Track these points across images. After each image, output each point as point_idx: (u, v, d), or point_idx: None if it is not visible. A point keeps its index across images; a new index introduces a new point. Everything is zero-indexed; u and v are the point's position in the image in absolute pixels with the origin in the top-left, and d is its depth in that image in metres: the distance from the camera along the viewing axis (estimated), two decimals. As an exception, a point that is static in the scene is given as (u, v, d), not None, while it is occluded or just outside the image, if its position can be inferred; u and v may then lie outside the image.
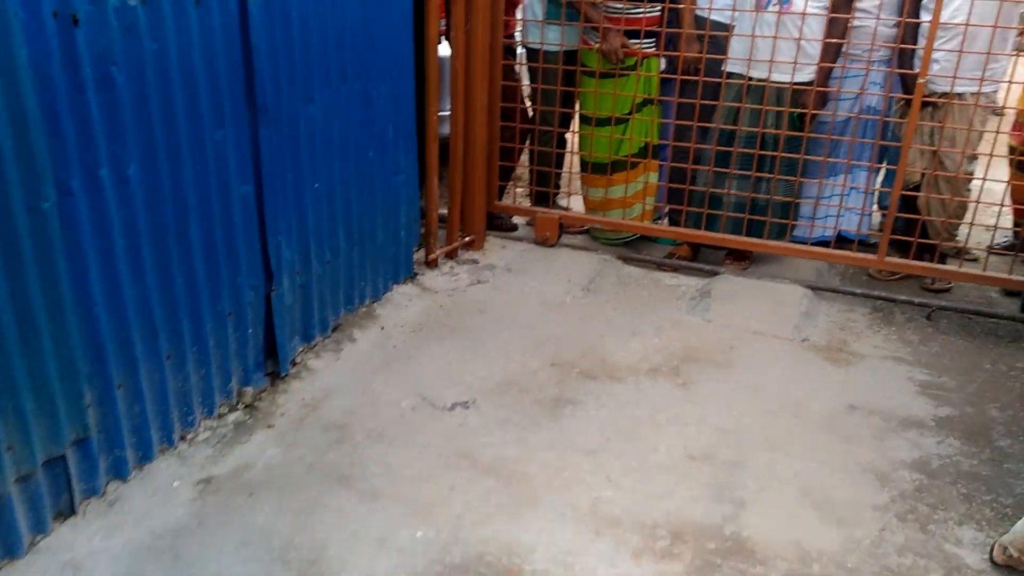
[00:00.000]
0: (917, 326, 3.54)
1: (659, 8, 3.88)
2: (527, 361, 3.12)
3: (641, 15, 3.91)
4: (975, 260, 4.13)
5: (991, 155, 3.46)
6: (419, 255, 3.86)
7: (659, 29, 3.88)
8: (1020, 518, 2.23)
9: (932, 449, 2.68)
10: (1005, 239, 4.28)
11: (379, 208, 3.40)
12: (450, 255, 4.02)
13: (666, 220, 4.30)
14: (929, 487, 2.49)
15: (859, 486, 2.49)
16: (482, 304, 3.60)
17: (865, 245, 3.96)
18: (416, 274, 3.76)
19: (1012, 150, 3.96)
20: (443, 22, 4.09)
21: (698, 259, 4.14)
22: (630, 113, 4.05)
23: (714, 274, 3.96)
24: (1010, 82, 3.63)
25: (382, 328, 3.34)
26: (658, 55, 3.99)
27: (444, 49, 3.83)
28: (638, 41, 3.95)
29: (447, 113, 3.85)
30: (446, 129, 3.86)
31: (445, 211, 4.01)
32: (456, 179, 3.94)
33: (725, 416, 2.82)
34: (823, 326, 3.52)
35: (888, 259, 3.71)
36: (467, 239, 4.12)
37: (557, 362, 3.12)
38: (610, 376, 3.05)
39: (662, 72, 4.04)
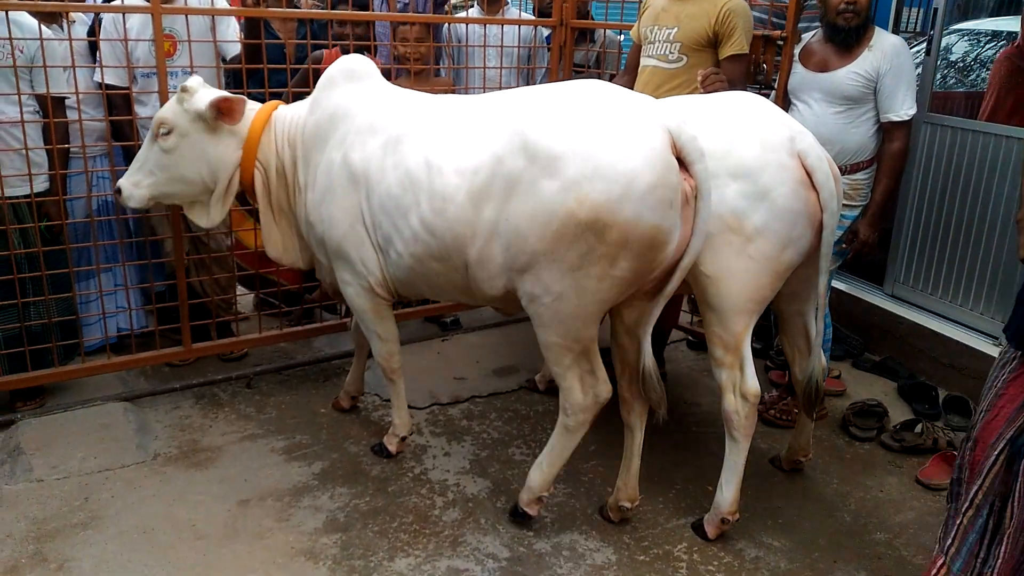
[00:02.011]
0: (245, 398, 3.68)
1: None
2: None
3: None
4: (248, 319, 4.43)
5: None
6: None
7: None
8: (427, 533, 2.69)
9: (330, 505, 2.91)
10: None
11: None
12: None
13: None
14: (351, 540, 2.72)
15: (296, 572, 2.56)
16: None
17: (147, 337, 3.87)
18: None
19: None
20: None
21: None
22: None
23: (10, 424, 3.33)
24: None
25: None
26: None
27: None
28: None
29: None
30: None
31: None
32: None
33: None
34: (164, 435, 3.36)
35: (195, 345, 3.74)
36: None
37: None
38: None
39: None
